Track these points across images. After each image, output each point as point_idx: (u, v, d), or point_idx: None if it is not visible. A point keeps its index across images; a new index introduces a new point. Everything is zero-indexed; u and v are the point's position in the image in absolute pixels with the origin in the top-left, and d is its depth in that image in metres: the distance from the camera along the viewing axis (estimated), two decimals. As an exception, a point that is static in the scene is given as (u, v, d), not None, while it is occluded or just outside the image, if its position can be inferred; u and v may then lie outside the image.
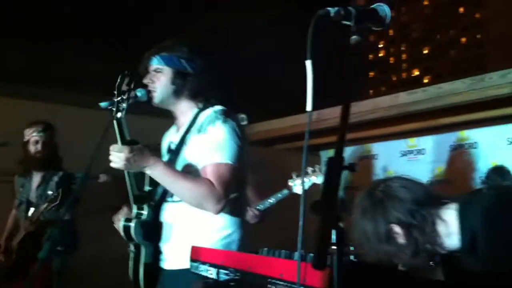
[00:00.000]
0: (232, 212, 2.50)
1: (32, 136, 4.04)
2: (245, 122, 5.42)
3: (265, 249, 1.62)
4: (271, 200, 4.21)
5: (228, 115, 2.51)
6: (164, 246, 2.52)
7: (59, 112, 5.12)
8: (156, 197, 2.55)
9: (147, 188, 2.56)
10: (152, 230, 2.50)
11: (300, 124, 6.58)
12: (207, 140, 2.42)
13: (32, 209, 3.91)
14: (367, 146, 7.13)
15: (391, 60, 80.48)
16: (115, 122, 2.41)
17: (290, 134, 6.82)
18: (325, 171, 1.20)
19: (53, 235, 3.44)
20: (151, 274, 2.50)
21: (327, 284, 1.22)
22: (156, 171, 2.31)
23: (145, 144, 2.37)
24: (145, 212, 2.49)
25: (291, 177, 4.19)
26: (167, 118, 2.73)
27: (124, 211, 2.59)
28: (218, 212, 2.36)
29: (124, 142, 2.37)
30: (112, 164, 2.27)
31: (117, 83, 2.47)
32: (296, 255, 1.45)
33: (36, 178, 4.11)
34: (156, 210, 2.53)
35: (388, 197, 1.92)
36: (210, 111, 2.53)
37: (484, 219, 1.75)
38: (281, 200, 4.21)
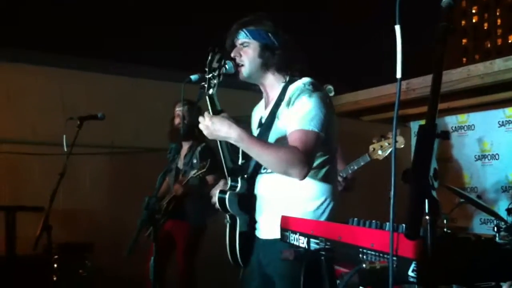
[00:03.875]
0: (324, 181, 2.52)
1: (176, 111, 4.65)
2: (332, 93, 5.36)
3: (355, 219, 1.62)
4: (353, 166, 4.14)
5: (315, 85, 2.52)
6: (259, 216, 2.60)
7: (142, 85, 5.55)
8: (249, 170, 2.61)
9: (241, 161, 2.64)
10: (247, 201, 2.57)
11: (387, 95, 6.42)
12: (294, 110, 2.45)
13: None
14: (461, 116, 6.86)
15: (485, 26, 76.14)
16: (207, 98, 2.48)
17: (377, 105, 6.68)
18: (417, 139, 1.17)
19: (150, 203, 3.72)
20: (247, 243, 2.59)
21: (420, 255, 1.21)
22: (241, 142, 2.36)
23: (233, 116, 2.44)
24: (239, 184, 2.57)
25: (372, 143, 4.10)
26: (251, 90, 2.80)
27: (220, 184, 2.69)
28: (302, 178, 2.36)
29: (214, 113, 2.43)
30: (203, 132, 2.40)
31: (207, 60, 2.52)
32: (387, 225, 1.44)
33: (185, 148, 4.67)
34: (250, 182, 2.60)
35: None
36: (298, 83, 2.54)
37: None
38: (364, 167, 4.14)
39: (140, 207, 4.48)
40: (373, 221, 1.51)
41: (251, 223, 2.60)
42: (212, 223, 4.43)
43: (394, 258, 1.26)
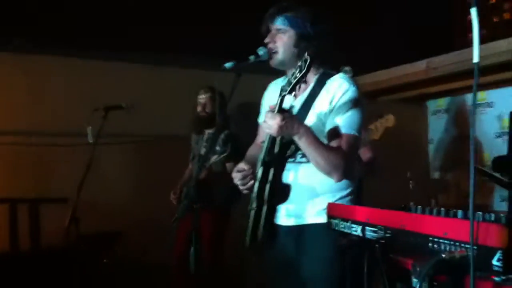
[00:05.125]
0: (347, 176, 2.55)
1: (198, 98, 4.64)
2: (349, 75, 5.28)
3: (419, 206, 1.58)
4: None
5: (357, 85, 2.53)
6: (289, 204, 2.59)
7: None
8: (280, 159, 2.59)
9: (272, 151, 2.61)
10: (278, 191, 2.56)
11: (406, 75, 6.34)
12: (341, 112, 2.45)
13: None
14: (481, 94, 6.77)
15: (493, 0, 75.27)
16: (280, 97, 2.43)
17: (395, 85, 6.60)
18: (510, 124, 1.13)
19: (190, 193, 3.73)
20: (270, 229, 2.59)
21: (507, 243, 1.17)
22: (304, 139, 2.37)
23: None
24: (271, 174, 2.55)
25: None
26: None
27: (242, 166, 2.65)
28: (340, 181, 2.47)
29: (279, 110, 2.40)
30: (266, 130, 2.40)
31: (303, 66, 2.35)
32: (459, 213, 1.41)
33: (207, 135, 4.66)
34: (280, 172, 2.59)
35: None
36: (342, 83, 2.50)
37: None
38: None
39: (165, 195, 4.51)
40: (442, 208, 1.47)
41: (275, 210, 2.61)
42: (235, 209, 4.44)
43: (475, 247, 1.22)
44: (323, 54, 2.60)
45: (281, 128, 2.31)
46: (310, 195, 2.52)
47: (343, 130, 2.44)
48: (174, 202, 4.56)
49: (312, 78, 2.60)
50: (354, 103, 2.46)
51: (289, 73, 2.46)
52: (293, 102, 2.65)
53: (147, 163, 5.28)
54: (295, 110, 2.60)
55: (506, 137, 6.50)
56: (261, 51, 2.56)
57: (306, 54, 2.36)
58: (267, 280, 2.71)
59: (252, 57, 2.56)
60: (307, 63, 2.31)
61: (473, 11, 1.25)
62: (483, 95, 6.76)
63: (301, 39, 2.56)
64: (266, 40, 2.60)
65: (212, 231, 4.46)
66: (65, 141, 4.78)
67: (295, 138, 2.38)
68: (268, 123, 2.33)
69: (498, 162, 1.23)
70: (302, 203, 2.54)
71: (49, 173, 4.96)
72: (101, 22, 4.97)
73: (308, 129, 2.40)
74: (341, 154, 2.39)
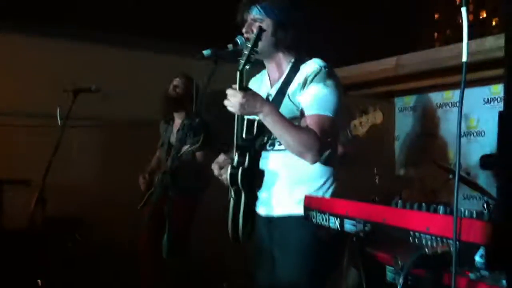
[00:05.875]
0: (326, 163, 2.55)
1: (172, 82, 4.59)
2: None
3: (399, 201, 1.59)
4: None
5: (331, 69, 2.51)
6: (266, 193, 2.57)
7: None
8: (256, 146, 2.58)
9: (249, 137, 2.59)
10: (253, 177, 2.55)
11: (375, 71, 6.40)
12: (312, 92, 2.44)
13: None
14: (447, 93, 6.87)
15: (457, 1, 76.67)
16: (239, 73, 2.40)
17: (365, 80, 6.65)
18: (499, 125, 1.15)
19: (165, 180, 3.67)
20: (251, 220, 2.58)
21: (490, 240, 1.19)
22: (269, 118, 2.33)
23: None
24: (246, 160, 2.53)
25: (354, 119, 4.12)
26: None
27: (221, 158, 2.66)
28: (315, 162, 2.42)
29: (240, 87, 2.37)
30: (228, 108, 2.34)
31: (255, 37, 2.40)
32: (440, 208, 1.42)
33: (177, 122, 4.60)
34: (256, 159, 2.57)
35: None
36: (314, 65, 2.50)
37: None
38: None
39: (132, 179, 4.45)
40: (423, 203, 1.48)
41: (255, 199, 2.59)
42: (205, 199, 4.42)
43: (458, 242, 1.24)
44: (298, 42, 2.61)
45: (242, 105, 2.29)
46: (288, 184, 2.52)
47: (316, 111, 2.42)
48: (142, 187, 4.51)
49: (286, 66, 2.60)
50: (327, 84, 2.44)
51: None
52: (269, 90, 2.65)
53: (115, 147, 5.21)
54: (271, 98, 2.60)
55: (471, 137, 6.65)
56: (239, 40, 2.55)
57: (257, 25, 2.41)
58: (247, 268, 2.70)
59: (230, 46, 2.54)
60: (257, 32, 2.34)
61: (463, 10, 1.26)
62: (449, 95, 6.86)
63: (277, 27, 2.55)
64: (244, 30, 2.58)
65: (182, 218, 4.41)
66: (30, 122, 4.67)
67: (260, 116, 2.35)
68: (230, 101, 2.31)
69: (486, 160, 1.24)
70: (279, 192, 2.54)
71: (12, 154, 4.84)
72: (74, 1, 4.85)
73: (274, 108, 2.38)
74: (313, 135, 2.35)
